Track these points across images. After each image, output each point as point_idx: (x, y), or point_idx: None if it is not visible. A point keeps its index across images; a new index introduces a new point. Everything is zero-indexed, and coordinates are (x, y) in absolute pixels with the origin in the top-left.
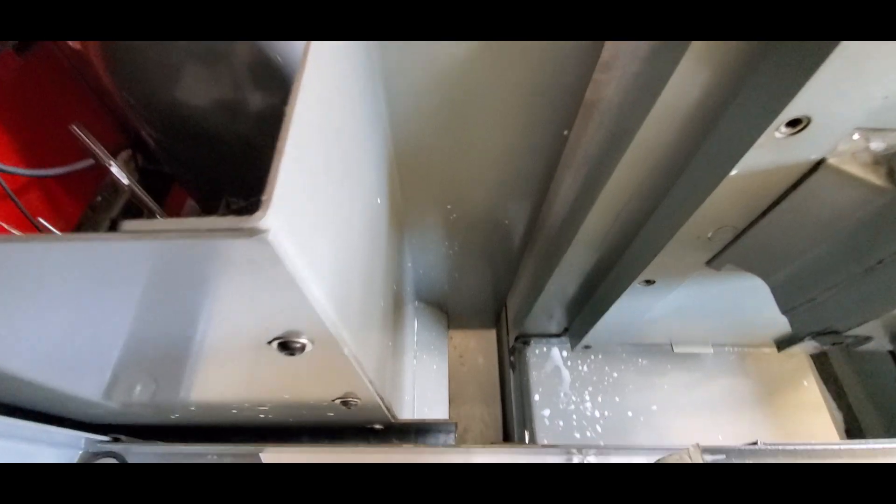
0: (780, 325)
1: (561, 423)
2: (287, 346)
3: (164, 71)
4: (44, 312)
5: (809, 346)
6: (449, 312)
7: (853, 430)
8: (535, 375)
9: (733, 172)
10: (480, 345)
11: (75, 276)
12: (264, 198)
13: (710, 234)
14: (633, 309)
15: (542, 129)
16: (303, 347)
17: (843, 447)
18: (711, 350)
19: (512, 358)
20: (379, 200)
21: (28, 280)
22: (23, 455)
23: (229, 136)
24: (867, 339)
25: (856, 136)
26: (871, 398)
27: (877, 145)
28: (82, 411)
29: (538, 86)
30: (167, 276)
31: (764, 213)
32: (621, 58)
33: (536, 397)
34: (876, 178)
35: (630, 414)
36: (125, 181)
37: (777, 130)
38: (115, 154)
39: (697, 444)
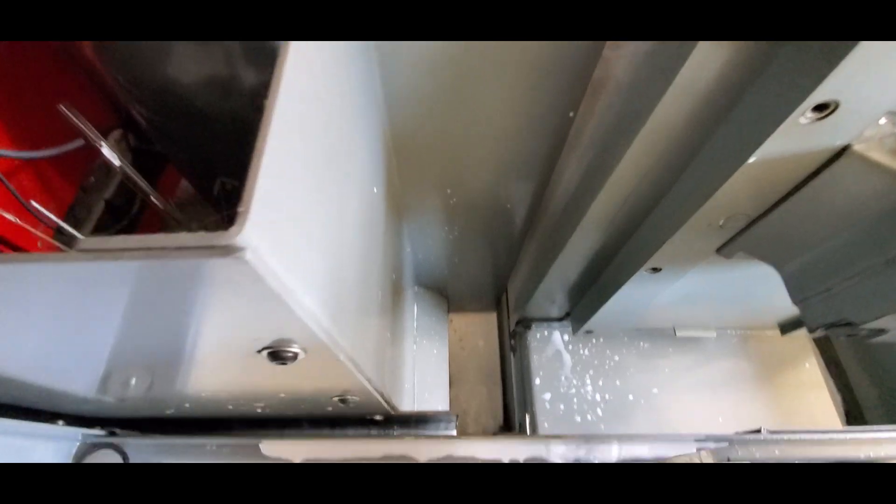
0: (785, 309)
1: (562, 406)
2: (278, 355)
3: (153, 48)
4: (28, 324)
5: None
6: (449, 296)
7: (853, 412)
8: (536, 359)
9: (751, 160)
10: (481, 328)
11: (44, 292)
12: (241, 209)
13: (721, 222)
14: (637, 296)
15: (546, 111)
16: (295, 356)
17: (848, 436)
18: (714, 334)
19: (513, 342)
20: (375, 190)
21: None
22: (20, 450)
23: (222, 114)
24: (881, 331)
25: (882, 121)
26: (871, 380)
27: None
28: (78, 407)
29: (542, 64)
30: (136, 292)
31: (780, 202)
32: None
33: (537, 381)
34: None
35: (631, 397)
36: (116, 162)
37: (802, 115)
38: (105, 134)
39: (709, 451)
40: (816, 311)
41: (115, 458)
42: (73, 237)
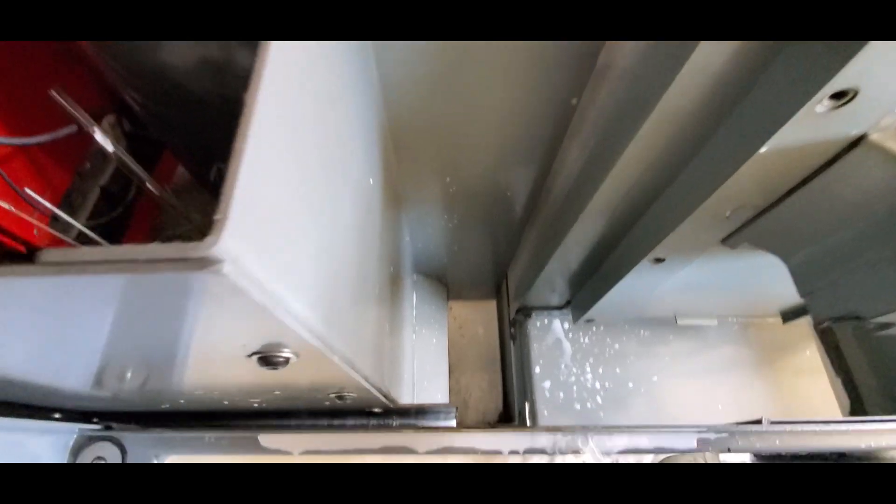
0: (787, 297)
1: (561, 394)
2: (268, 360)
3: None
4: (8, 331)
5: (822, 324)
6: (448, 284)
7: (853, 399)
8: (536, 348)
9: (763, 150)
10: (480, 315)
11: (14, 303)
12: (217, 217)
13: (728, 213)
14: (639, 286)
15: (548, 97)
16: (287, 361)
17: (850, 427)
18: (716, 322)
19: (512, 330)
20: (371, 181)
21: None
22: (15, 445)
23: (217, 99)
24: (889, 325)
25: None
26: (872, 367)
27: None
28: (73, 401)
29: (544, 49)
30: (106, 304)
31: (790, 192)
32: None
33: (537, 369)
34: None
35: (631, 385)
36: (109, 148)
37: (819, 104)
38: (98, 119)
39: (716, 452)
40: (823, 303)
41: (112, 451)
42: (68, 224)
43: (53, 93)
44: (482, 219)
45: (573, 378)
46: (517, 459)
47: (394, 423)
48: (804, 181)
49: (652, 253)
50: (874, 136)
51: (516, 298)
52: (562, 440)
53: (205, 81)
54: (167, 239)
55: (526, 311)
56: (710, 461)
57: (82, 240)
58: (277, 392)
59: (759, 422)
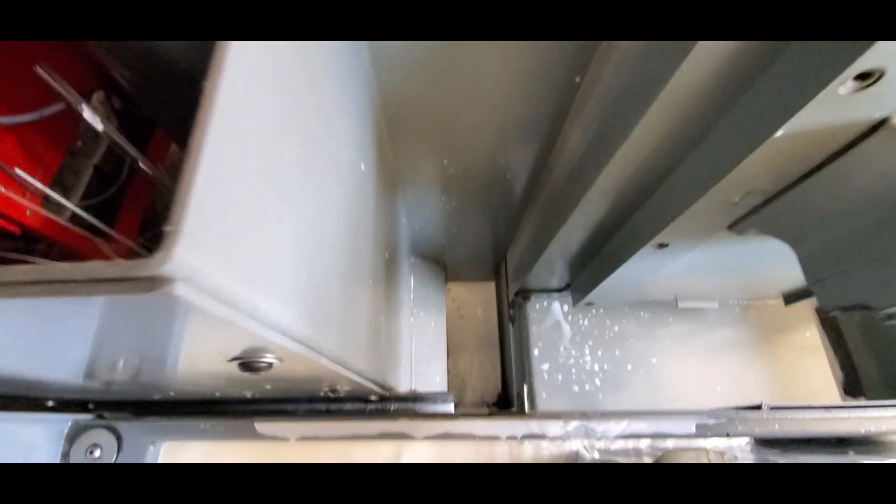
0: (790, 280)
1: (560, 376)
2: (249, 366)
3: None
4: None
5: (830, 313)
6: (447, 266)
7: (851, 381)
8: (535, 330)
9: (779, 133)
10: (479, 297)
11: None
12: (169, 228)
13: (737, 199)
14: (641, 271)
15: (550, 75)
16: (270, 365)
17: (850, 414)
18: (717, 305)
19: (511, 312)
20: (363, 166)
21: None
22: (9, 435)
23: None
24: None
25: None
26: (871, 350)
27: None
28: (66, 392)
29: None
30: (52, 323)
31: (803, 178)
32: None
33: (536, 352)
34: None
35: (629, 367)
36: (99, 126)
37: (843, 84)
38: (87, 96)
39: (719, 452)
40: (832, 292)
41: (108, 438)
42: (61, 205)
43: (39, 69)
44: (481, 200)
45: (572, 360)
46: (515, 445)
47: (391, 408)
48: (819, 166)
49: (656, 238)
50: None
51: (515, 280)
52: (560, 426)
53: (194, 56)
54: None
55: (525, 294)
56: (709, 449)
57: (76, 220)
58: (268, 387)
59: (758, 407)
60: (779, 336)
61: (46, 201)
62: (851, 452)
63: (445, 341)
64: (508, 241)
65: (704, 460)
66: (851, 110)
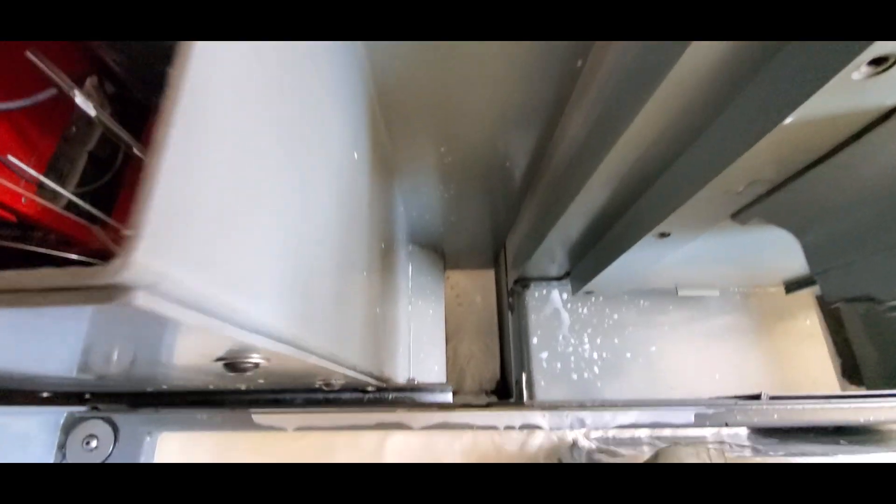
0: (792, 268)
1: (559, 364)
2: (235, 367)
3: None
4: None
5: (834, 304)
6: (445, 254)
7: (850, 369)
8: (534, 318)
9: (788, 121)
10: (478, 284)
11: None
12: (128, 232)
13: (741, 188)
14: (642, 260)
15: (551, 58)
16: (256, 365)
17: (852, 405)
18: (717, 293)
19: (510, 300)
20: (356, 155)
21: None
22: (5, 425)
23: None
24: None
25: None
26: (870, 337)
27: None
28: (61, 386)
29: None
30: (27, 328)
31: (811, 167)
32: None
33: (535, 340)
34: None
35: (628, 355)
36: (91, 112)
37: (857, 70)
38: (80, 81)
39: (721, 449)
40: (837, 284)
41: (104, 429)
42: (56, 192)
43: (30, 54)
44: (480, 188)
45: (571, 349)
46: (513, 435)
47: (390, 397)
48: (826, 155)
49: (657, 228)
50: None
51: (514, 268)
52: (557, 416)
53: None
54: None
55: (524, 282)
56: (709, 444)
57: (72, 207)
58: (261, 381)
59: (757, 396)
60: (779, 323)
61: (41, 189)
62: (842, 441)
63: (444, 329)
64: (508, 229)
65: (704, 456)
66: (863, 97)
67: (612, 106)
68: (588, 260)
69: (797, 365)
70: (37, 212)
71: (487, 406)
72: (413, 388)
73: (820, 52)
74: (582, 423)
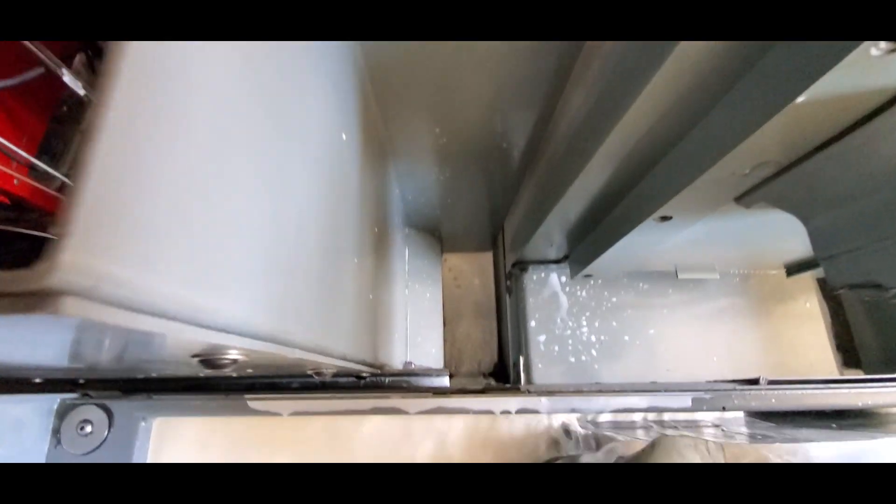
0: (794, 251)
1: (556, 347)
2: (212, 363)
3: None
4: None
5: (838, 290)
6: (443, 237)
7: (848, 351)
8: (532, 301)
9: (801, 99)
10: (476, 267)
11: None
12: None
13: (747, 171)
14: (642, 244)
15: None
16: (234, 361)
17: (851, 390)
18: (717, 275)
19: (508, 283)
20: (344, 137)
21: None
22: (1, 413)
23: None
24: None
25: None
26: (869, 320)
27: None
28: (53, 374)
29: None
30: None
31: (820, 148)
32: None
33: (532, 323)
34: None
35: (626, 338)
36: (80, 90)
37: (875, 45)
38: (68, 59)
39: (719, 443)
40: (843, 269)
41: (98, 414)
42: (47, 174)
43: None
44: (476, 170)
45: (569, 332)
46: (509, 420)
47: (386, 382)
48: (838, 136)
49: (659, 211)
50: None
51: (512, 251)
52: (553, 401)
53: None
54: None
55: (522, 265)
56: (707, 435)
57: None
58: (250, 370)
59: (756, 381)
60: (778, 306)
61: (33, 170)
62: (834, 426)
63: (441, 313)
64: (506, 212)
65: (703, 448)
66: (881, 74)
67: (614, 83)
68: (587, 243)
69: (795, 348)
70: (30, 194)
71: (483, 392)
72: (409, 373)
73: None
74: (578, 408)
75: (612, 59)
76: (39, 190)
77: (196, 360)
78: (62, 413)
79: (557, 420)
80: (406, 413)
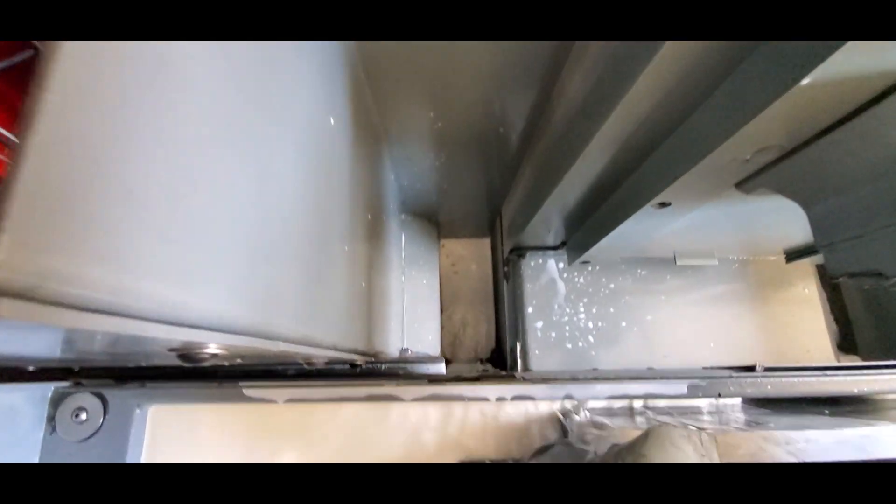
0: (794, 237)
1: (553, 334)
2: (190, 357)
3: None
4: None
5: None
6: (440, 223)
7: (845, 337)
8: (530, 288)
9: (806, 81)
10: (473, 252)
11: None
12: None
13: (749, 156)
14: (640, 231)
15: None
16: (214, 355)
17: (848, 377)
18: (716, 262)
19: (506, 269)
20: (332, 121)
21: None
22: None
23: None
24: None
25: None
26: (867, 307)
27: None
28: (46, 363)
29: None
30: None
31: (824, 132)
32: None
33: (530, 309)
34: None
35: (624, 324)
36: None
37: None
38: None
39: (712, 434)
40: (843, 257)
41: (93, 402)
42: None
43: None
44: (473, 155)
45: (566, 318)
46: (505, 406)
47: (382, 369)
48: (842, 120)
49: (658, 197)
50: None
51: (510, 237)
52: (549, 388)
53: None
54: None
55: (520, 251)
56: (702, 425)
57: None
58: (239, 360)
59: (752, 368)
60: (776, 291)
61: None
62: (826, 412)
63: (438, 299)
64: (503, 197)
65: (696, 439)
66: (888, 56)
67: (613, 66)
68: (585, 230)
69: (793, 333)
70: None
71: (478, 379)
72: (405, 360)
73: None
74: (573, 395)
75: (609, 42)
76: None
77: (174, 354)
78: (56, 401)
79: (552, 407)
80: (401, 400)
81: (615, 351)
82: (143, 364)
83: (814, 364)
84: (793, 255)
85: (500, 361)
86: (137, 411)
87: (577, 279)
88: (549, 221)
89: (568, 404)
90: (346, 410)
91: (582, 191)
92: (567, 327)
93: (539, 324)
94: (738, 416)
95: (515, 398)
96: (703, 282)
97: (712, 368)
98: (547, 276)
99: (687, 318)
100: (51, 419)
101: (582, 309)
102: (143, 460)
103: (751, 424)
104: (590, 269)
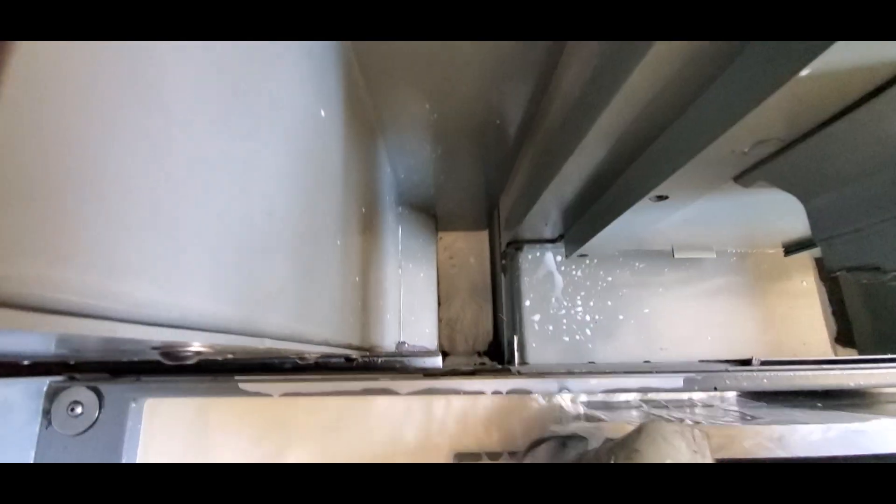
0: (793, 230)
1: (550, 327)
2: (173, 356)
3: None
4: None
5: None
6: (437, 215)
7: (843, 331)
8: (527, 281)
9: (805, 72)
10: (471, 245)
11: None
12: None
13: (747, 149)
14: (637, 224)
15: None
16: (198, 353)
17: (844, 371)
18: (714, 255)
19: (503, 262)
20: (323, 113)
21: None
22: None
23: None
24: None
25: None
26: (864, 301)
27: None
28: (40, 357)
29: None
30: None
31: (824, 125)
32: None
33: (527, 303)
34: None
35: (621, 317)
36: None
37: None
38: None
39: (705, 430)
40: (841, 251)
41: (88, 396)
42: None
43: None
44: (470, 147)
45: (563, 311)
46: (501, 400)
47: (378, 362)
48: (843, 112)
49: (655, 190)
50: None
51: (507, 230)
52: (544, 382)
53: None
54: None
55: (517, 245)
56: (697, 421)
57: None
58: (230, 356)
59: (748, 361)
60: (774, 284)
61: None
62: (819, 405)
63: (436, 292)
64: (501, 189)
65: (689, 435)
66: (889, 47)
67: (611, 56)
68: (582, 223)
69: (791, 327)
70: None
71: (473, 373)
72: (401, 353)
73: None
74: (568, 389)
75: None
76: None
77: (157, 352)
78: (51, 395)
79: (548, 401)
80: (396, 394)
81: (612, 344)
82: (136, 359)
83: (811, 357)
84: (791, 248)
85: (498, 354)
86: (133, 405)
87: (574, 272)
88: (546, 214)
89: (563, 398)
90: (342, 404)
91: (579, 183)
92: (564, 320)
93: (536, 317)
94: (733, 409)
95: (511, 392)
96: (701, 275)
97: (709, 361)
98: (544, 269)
99: (685, 311)
100: (46, 413)
101: (579, 302)
102: (138, 454)
103: (745, 418)
104: (587, 262)
